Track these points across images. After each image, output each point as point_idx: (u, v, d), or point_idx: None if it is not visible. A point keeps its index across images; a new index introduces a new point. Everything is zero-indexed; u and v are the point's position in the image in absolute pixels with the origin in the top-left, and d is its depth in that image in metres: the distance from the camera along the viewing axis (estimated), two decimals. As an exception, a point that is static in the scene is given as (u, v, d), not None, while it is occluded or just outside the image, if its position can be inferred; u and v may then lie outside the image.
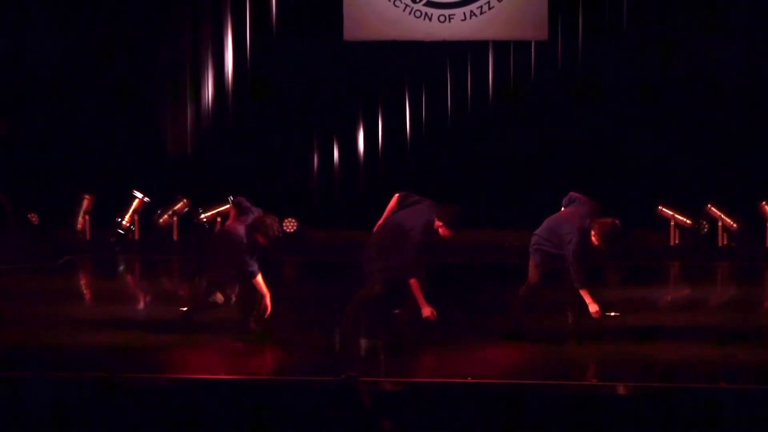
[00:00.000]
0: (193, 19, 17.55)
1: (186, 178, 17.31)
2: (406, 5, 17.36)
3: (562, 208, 11.12)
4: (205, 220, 16.86)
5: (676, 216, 16.63)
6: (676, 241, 16.60)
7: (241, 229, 10.80)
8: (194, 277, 13.18)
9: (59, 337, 11.23)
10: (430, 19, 17.40)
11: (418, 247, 10.57)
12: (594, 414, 9.05)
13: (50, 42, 17.36)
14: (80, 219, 17.02)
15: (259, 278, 10.81)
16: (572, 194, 11.20)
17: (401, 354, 10.57)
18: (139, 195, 16.89)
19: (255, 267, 10.78)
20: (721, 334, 11.40)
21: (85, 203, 17.01)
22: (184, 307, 11.61)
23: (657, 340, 11.14)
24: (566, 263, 10.71)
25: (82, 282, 15.37)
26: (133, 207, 16.91)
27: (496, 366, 10.55)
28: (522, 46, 17.40)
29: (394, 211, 10.83)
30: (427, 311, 10.58)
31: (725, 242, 16.48)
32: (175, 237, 16.99)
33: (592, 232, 10.59)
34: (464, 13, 17.35)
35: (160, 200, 17.04)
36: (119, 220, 16.85)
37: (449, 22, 17.38)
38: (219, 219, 16.55)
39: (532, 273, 10.99)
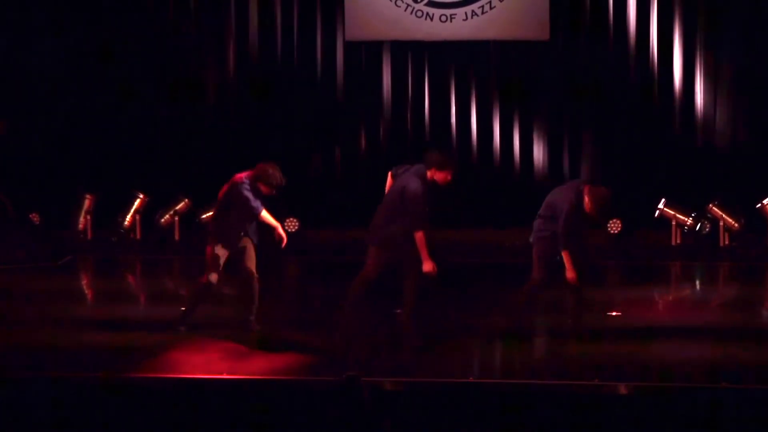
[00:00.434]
0: (194, 18, 17.54)
1: (187, 177, 17.29)
2: (408, 5, 17.34)
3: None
4: (205, 220, 16.84)
5: (678, 216, 16.60)
6: (678, 241, 16.57)
7: (246, 179, 11.06)
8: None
9: (59, 337, 11.24)
10: (431, 19, 17.38)
11: (421, 200, 10.56)
12: (594, 414, 9.05)
13: (50, 42, 17.33)
14: (81, 219, 17.01)
15: (265, 213, 11.04)
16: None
17: (401, 354, 10.59)
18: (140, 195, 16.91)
19: (258, 204, 10.99)
20: (722, 334, 11.41)
21: (86, 203, 17.00)
22: (184, 307, 11.62)
23: (657, 340, 11.15)
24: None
25: (83, 282, 15.37)
26: (134, 207, 16.91)
27: (496, 366, 10.55)
28: (523, 45, 17.39)
29: (392, 187, 10.90)
30: (428, 266, 10.58)
31: (726, 242, 16.46)
32: (176, 237, 16.98)
33: (585, 198, 10.64)
34: (465, 13, 17.33)
35: (161, 200, 17.03)
36: (120, 220, 16.87)
37: (450, 22, 17.36)
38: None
39: (535, 268, 10.99)
